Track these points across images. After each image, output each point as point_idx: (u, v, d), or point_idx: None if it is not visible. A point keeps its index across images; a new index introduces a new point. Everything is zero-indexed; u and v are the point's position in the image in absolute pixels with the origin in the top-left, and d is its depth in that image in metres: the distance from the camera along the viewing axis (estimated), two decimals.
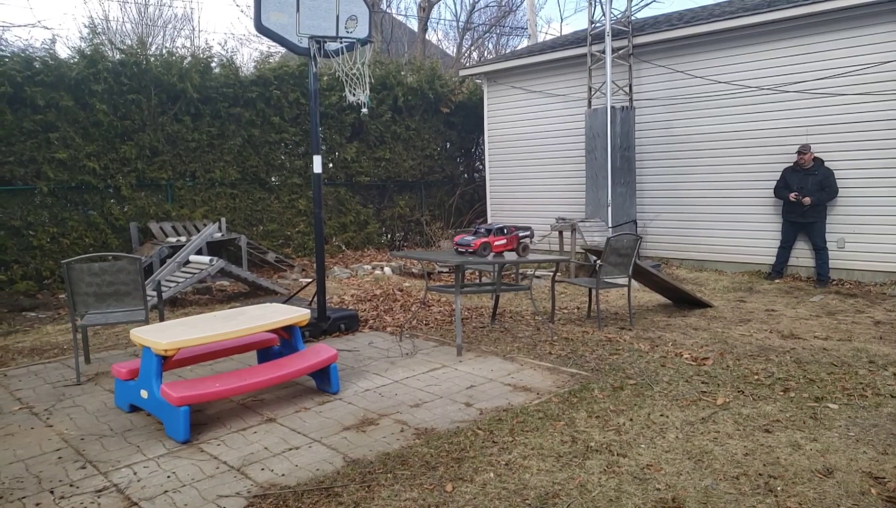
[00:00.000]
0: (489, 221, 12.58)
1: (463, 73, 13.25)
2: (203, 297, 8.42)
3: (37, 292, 8.52)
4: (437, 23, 28.25)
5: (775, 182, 8.84)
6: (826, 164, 8.45)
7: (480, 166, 14.24)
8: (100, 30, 10.68)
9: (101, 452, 3.66)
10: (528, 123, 11.84)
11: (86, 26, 15.35)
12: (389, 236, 13.05)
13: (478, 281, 7.96)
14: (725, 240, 9.73)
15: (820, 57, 8.63)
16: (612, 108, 9.83)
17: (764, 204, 9.26)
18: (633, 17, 10.34)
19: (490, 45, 25.97)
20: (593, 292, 6.54)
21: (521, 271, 7.47)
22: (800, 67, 8.81)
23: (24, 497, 3.15)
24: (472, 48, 25.41)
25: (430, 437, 3.70)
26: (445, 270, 9.89)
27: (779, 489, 3.03)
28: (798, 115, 8.87)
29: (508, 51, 23.78)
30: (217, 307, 7.73)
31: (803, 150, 8.43)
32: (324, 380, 4.55)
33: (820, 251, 8.48)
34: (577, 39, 11.57)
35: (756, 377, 4.68)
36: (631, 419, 3.90)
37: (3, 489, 3.24)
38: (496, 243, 5.58)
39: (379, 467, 3.34)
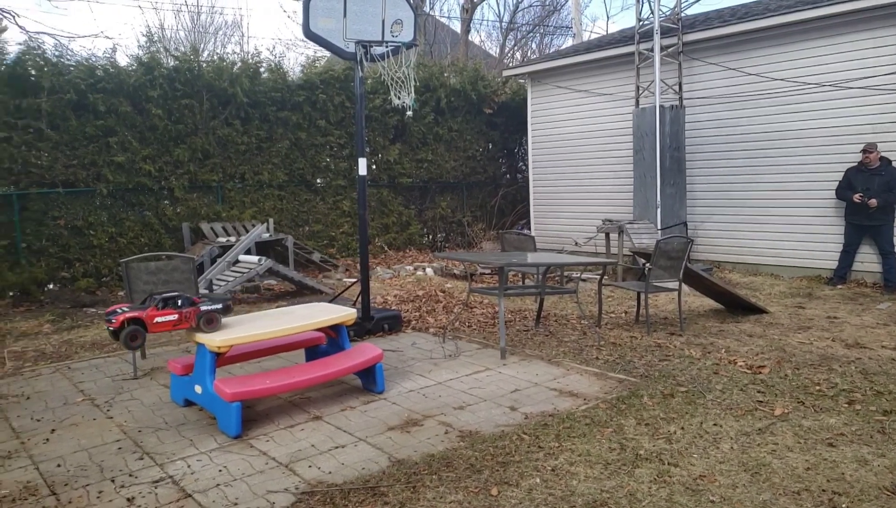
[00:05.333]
0: (532, 222, 12.51)
1: (506, 73, 13.22)
2: (251, 296, 8.63)
3: (96, 289, 8.88)
4: (480, 24, 28.31)
5: (837, 183, 8.51)
6: (894, 163, 8.09)
7: (523, 167, 14.16)
8: (156, 38, 11.06)
9: (158, 444, 3.79)
10: (573, 123, 11.72)
11: (143, 35, 15.91)
12: (431, 237, 13.11)
13: (521, 283, 7.91)
14: (782, 243, 9.41)
15: (889, 51, 8.25)
16: (661, 107, 9.65)
17: (824, 206, 8.91)
18: (682, 14, 10.12)
19: (533, 45, 25.84)
20: (642, 296, 6.43)
21: (566, 273, 7.40)
22: (867, 63, 8.43)
23: (87, 485, 3.29)
24: (516, 48, 25.32)
25: (475, 440, 3.70)
26: (488, 271, 9.87)
27: (843, 506, 2.92)
28: (863, 112, 8.50)
29: (552, 50, 23.59)
30: (265, 306, 7.91)
31: (869, 148, 8.09)
32: (369, 379, 4.60)
33: (887, 256, 8.11)
34: (623, 38, 11.40)
35: (818, 387, 4.50)
36: (682, 428, 3.81)
37: (69, 476, 3.40)
38: (157, 319, 3.99)
39: (424, 468, 3.36)
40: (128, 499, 3.14)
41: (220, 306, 4.15)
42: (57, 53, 8.94)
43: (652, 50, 9.83)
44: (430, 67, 12.69)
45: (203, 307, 4.06)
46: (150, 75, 9.31)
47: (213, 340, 3.99)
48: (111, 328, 3.85)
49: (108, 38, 26.00)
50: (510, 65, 21.93)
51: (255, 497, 3.12)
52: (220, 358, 4.22)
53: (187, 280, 5.35)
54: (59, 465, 3.54)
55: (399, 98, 5.86)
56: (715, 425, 3.85)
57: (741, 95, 9.59)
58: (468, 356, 5.49)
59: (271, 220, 10.28)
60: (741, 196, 9.76)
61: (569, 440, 3.66)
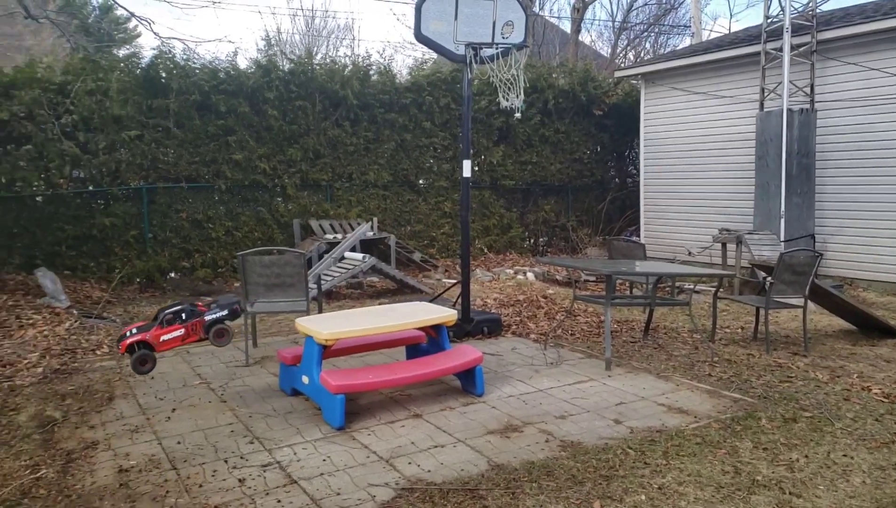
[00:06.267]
0: (642, 229, 12.10)
1: (618, 74, 12.89)
2: (355, 291, 8.95)
3: (213, 278, 9.56)
4: (591, 23, 27.66)
5: None
6: None
7: (634, 171, 13.75)
8: (273, 42, 11.75)
9: (266, 430, 4.02)
10: (689, 127, 11.23)
11: (262, 39, 16.98)
12: (532, 240, 13.01)
13: (629, 292, 7.68)
14: None
15: None
16: (789, 110, 9.04)
17: None
18: (817, 11, 9.43)
19: (647, 45, 25.01)
20: (761, 312, 6.05)
21: (677, 284, 7.11)
22: None
23: (203, 463, 3.55)
24: (629, 48, 24.62)
25: (577, 451, 3.64)
26: (592, 279, 9.66)
27: None
28: None
29: (668, 50, 22.73)
30: (367, 302, 8.18)
31: None
32: (469, 381, 4.64)
33: None
34: (748, 37, 10.79)
35: None
36: (806, 456, 3.55)
37: (187, 453, 3.68)
38: (163, 338, 4.01)
39: (523, 475, 3.34)
40: (239, 480, 3.35)
41: (225, 312, 4.10)
42: (184, 57, 9.72)
43: (780, 49, 9.24)
44: (537, 67, 12.61)
45: (208, 317, 4.03)
46: (268, 78, 9.89)
47: (321, 333, 4.17)
48: (121, 353, 3.92)
49: (230, 42, 28.01)
50: (622, 65, 21.36)
51: (357, 489, 3.23)
52: (326, 351, 4.40)
53: (298, 275, 5.63)
54: (178, 442, 3.84)
55: (507, 100, 5.88)
56: (845, 456, 3.56)
57: (882, 97, 8.80)
58: (570, 365, 5.40)
59: (375, 219, 10.62)
60: (878, 208, 8.95)
61: (678, 458, 3.52)
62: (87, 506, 3.08)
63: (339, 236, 9.91)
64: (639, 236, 12.16)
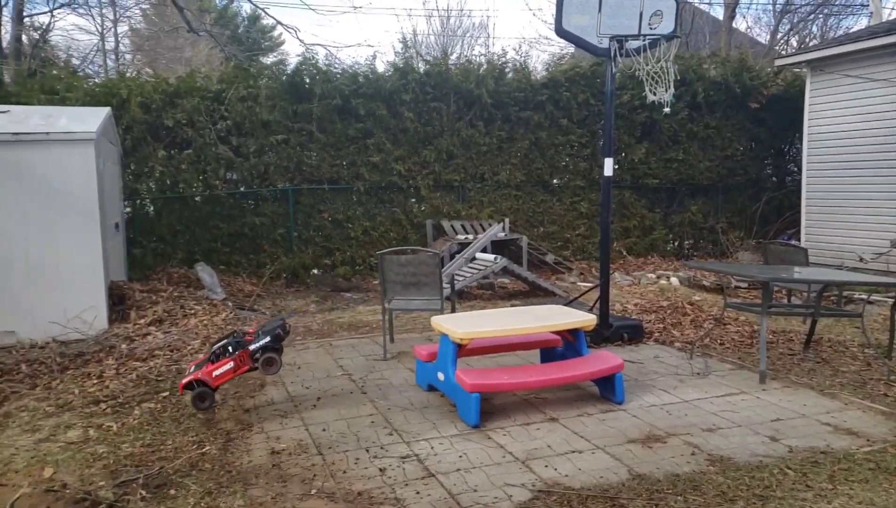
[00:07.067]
0: (803, 232, 11.21)
1: (779, 62, 12.02)
2: (486, 292, 9.11)
3: (351, 276, 10.16)
4: (747, 8, 26.02)
5: None
6: None
7: (794, 169, 12.77)
8: (409, 44, 12.24)
9: (404, 423, 4.25)
10: (864, 119, 10.24)
11: (399, 41, 17.75)
12: (677, 243, 12.48)
13: (786, 301, 7.17)
14: None
15: None
16: None
17: None
18: None
19: (814, 29, 23.04)
20: None
21: (845, 293, 6.54)
22: None
23: (346, 451, 3.83)
24: (791, 34, 22.83)
25: (727, 466, 3.50)
26: (744, 285, 9.11)
27: None
28: None
29: (840, 34, 20.81)
30: (499, 304, 8.30)
31: None
32: (608, 388, 4.60)
33: None
34: None
35: None
36: None
37: (332, 440, 3.99)
38: (215, 373, 4.12)
39: (667, 487, 3.28)
40: (380, 469, 3.58)
41: (268, 339, 4.21)
42: (327, 63, 10.42)
43: None
44: (685, 58, 12.09)
45: (252, 347, 4.17)
46: (404, 80, 10.34)
47: (457, 332, 4.34)
48: (179, 393, 4.16)
49: (369, 46, 29.53)
50: (783, 53, 19.88)
51: (494, 488, 3.34)
52: (461, 350, 4.56)
53: (432, 274, 5.86)
54: (323, 429, 4.17)
55: (654, 94, 5.73)
56: None
57: None
58: (719, 376, 5.17)
59: (507, 219, 10.73)
60: None
61: (846, 483, 3.27)
62: (245, 482, 3.44)
63: (471, 236, 10.13)
64: (798, 239, 11.27)
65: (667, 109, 5.93)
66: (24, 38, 15.20)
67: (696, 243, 12.49)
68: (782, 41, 22.44)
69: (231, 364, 4.14)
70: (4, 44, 14.44)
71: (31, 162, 6.13)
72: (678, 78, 5.77)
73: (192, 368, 4.29)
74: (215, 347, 4.24)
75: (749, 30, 24.70)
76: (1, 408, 4.61)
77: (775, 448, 3.75)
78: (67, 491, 3.29)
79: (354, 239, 10.33)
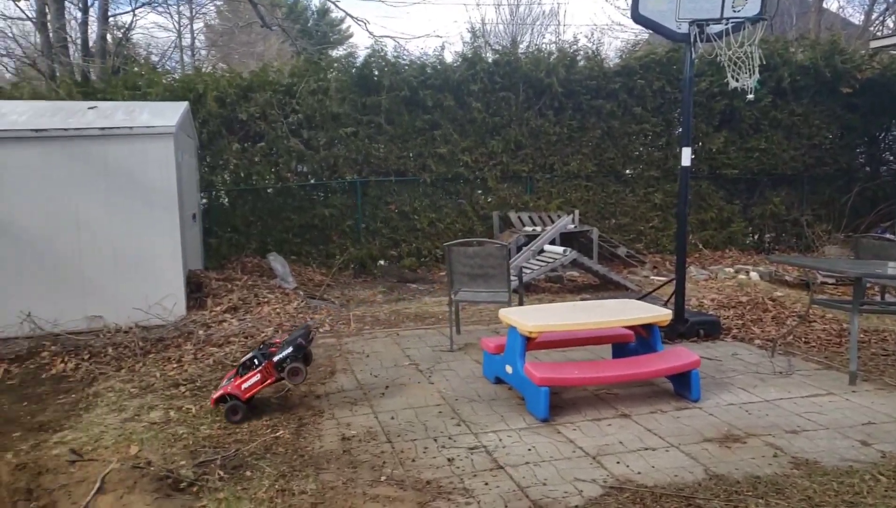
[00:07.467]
0: None
1: (874, 44, 11.37)
2: (554, 285, 9.03)
3: (417, 267, 10.29)
4: None
5: None
6: None
7: (890, 158, 12.04)
8: (478, 33, 12.23)
9: (472, 414, 4.28)
10: None
11: (467, 31, 17.76)
12: (757, 236, 11.99)
13: (878, 298, 6.79)
14: None
15: None
16: None
17: None
18: None
19: None
20: None
21: None
22: None
23: (414, 440, 3.89)
24: (888, 14, 21.47)
25: (812, 470, 3.36)
26: (830, 281, 8.68)
27: None
28: None
29: None
30: (568, 297, 8.22)
31: None
32: (683, 385, 4.49)
33: None
34: None
35: None
36: None
37: (400, 429, 4.06)
38: (244, 386, 4.19)
39: (747, 489, 3.18)
40: (448, 459, 3.62)
41: (290, 350, 4.24)
42: (395, 54, 10.54)
43: None
44: (770, 42, 11.56)
45: (275, 359, 4.22)
46: (473, 70, 10.33)
47: (526, 325, 4.33)
48: (211, 406, 4.24)
49: (438, 36, 29.64)
50: (878, 34, 18.71)
51: (563, 482, 3.32)
52: (530, 343, 4.55)
53: (500, 266, 5.86)
54: (392, 418, 4.25)
55: (737, 80, 5.51)
56: None
57: None
58: (804, 376, 4.95)
59: (577, 211, 10.59)
60: None
61: None
62: (317, 467, 3.55)
63: (539, 228, 10.05)
64: (894, 233, 10.63)
65: (750, 96, 5.70)
66: (108, 37, 16.03)
67: (777, 236, 11.96)
68: (877, 22, 21.13)
69: (258, 376, 4.23)
70: (91, 43, 15.27)
71: (116, 155, 6.49)
72: (763, 63, 5.52)
73: (224, 381, 4.39)
74: (242, 361, 4.35)
75: (841, 10, 23.51)
76: (91, 388, 4.93)
77: (867, 452, 3.57)
78: (152, 469, 3.49)
79: (420, 231, 10.44)
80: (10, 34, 15.64)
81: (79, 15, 15.42)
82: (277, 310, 6.93)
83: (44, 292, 6.32)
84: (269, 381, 4.25)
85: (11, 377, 5.27)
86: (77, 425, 4.21)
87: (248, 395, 4.19)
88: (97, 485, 3.30)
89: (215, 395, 4.23)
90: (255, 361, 4.28)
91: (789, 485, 3.21)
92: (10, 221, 6.26)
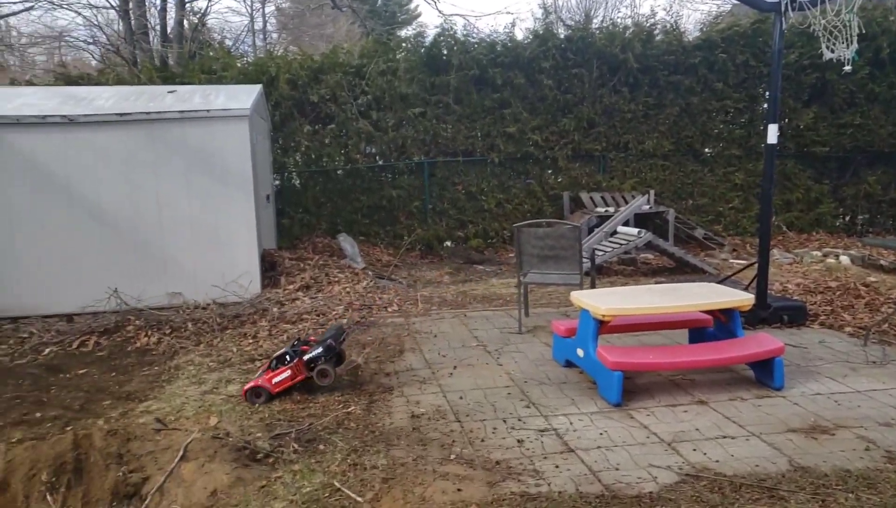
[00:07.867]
0: None
1: None
2: (627, 268, 8.85)
3: (484, 248, 10.28)
4: None
5: None
6: None
7: None
8: (549, 9, 11.99)
9: (541, 397, 4.26)
10: None
11: (539, 7, 17.44)
12: (848, 218, 11.36)
13: None
14: None
15: None
16: None
17: None
18: None
19: None
20: None
21: None
22: None
23: (483, 420, 3.92)
24: None
25: None
26: None
27: None
28: None
29: None
30: (641, 280, 8.03)
31: None
32: (765, 373, 4.32)
33: None
34: None
35: None
36: None
37: (469, 409, 4.09)
38: (274, 380, 4.25)
39: (836, 482, 3.05)
40: (518, 441, 3.62)
41: (320, 350, 4.26)
42: (464, 33, 10.47)
43: None
44: (867, 9, 10.84)
45: (306, 357, 4.24)
46: (544, 47, 10.16)
47: (599, 308, 4.26)
48: (242, 398, 4.26)
49: (508, 13, 29.16)
50: None
51: (637, 468, 3.27)
52: (603, 326, 4.48)
53: (572, 247, 5.78)
54: (460, 397, 4.28)
55: (832, 51, 5.20)
56: None
57: None
58: None
59: (652, 191, 10.30)
60: None
61: None
62: (388, 443, 3.63)
63: (612, 209, 9.85)
64: None
65: (847, 68, 5.36)
66: (184, 22, 16.63)
67: (872, 217, 11.30)
68: None
69: (288, 373, 4.30)
70: (169, 29, 15.89)
71: (194, 137, 6.75)
72: (861, 32, 5.18)
73: (259, 373, 4.50)
74: (274, 356, 4.43)
75: None
76: (172, 361, 5.20)
77: None
78: (230, 439, 3.65)
79: (488, 211, 10.41)
80: (95, 22, 16.45)
81: (158, 2, 16.05)
82: (347, 289, 7.08)
83: (128, 269, 6.68)
84: (298, 378, 4.31)
85: (101, 348, 5.61)
86: (161, 395, 4.45)
87: (277, 390, 4.28)
88: (181, 453, 3.48)
89: (247, 386, 4.31)
90: (287, 357, 4.37)
91: (882, 480, 3.05)
92: (97, 201, 6.62)
